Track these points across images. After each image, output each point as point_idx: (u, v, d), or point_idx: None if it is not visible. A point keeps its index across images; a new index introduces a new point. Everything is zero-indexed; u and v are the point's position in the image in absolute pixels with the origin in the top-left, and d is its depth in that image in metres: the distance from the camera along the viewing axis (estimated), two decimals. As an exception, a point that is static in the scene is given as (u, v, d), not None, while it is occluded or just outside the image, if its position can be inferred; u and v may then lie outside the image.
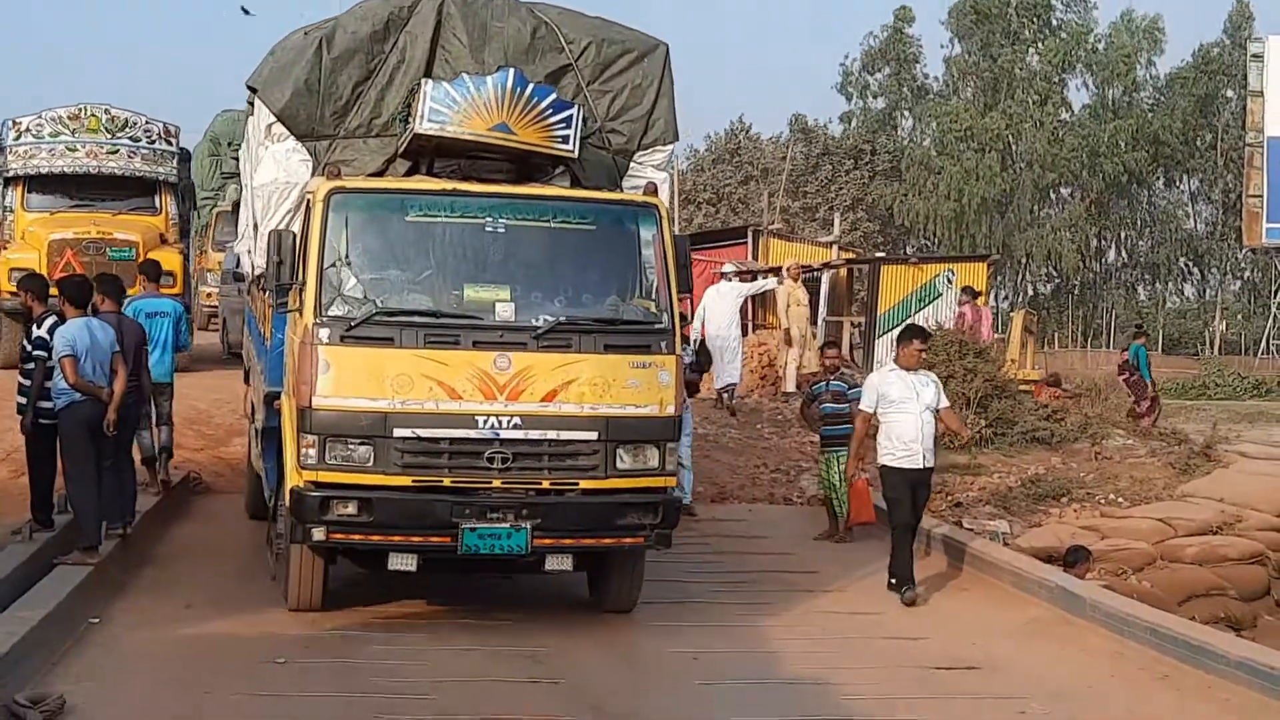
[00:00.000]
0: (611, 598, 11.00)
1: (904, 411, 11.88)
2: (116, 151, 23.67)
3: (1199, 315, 64.42)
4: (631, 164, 11.43)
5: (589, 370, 9.90)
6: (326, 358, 9.61)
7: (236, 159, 15.96)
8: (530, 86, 10.36)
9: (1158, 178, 67.57)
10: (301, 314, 9.87)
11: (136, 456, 14.19)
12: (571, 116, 10.44)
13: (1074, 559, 13.53)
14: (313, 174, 10.87)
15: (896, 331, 27.95)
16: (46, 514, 12.57)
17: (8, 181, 23.97)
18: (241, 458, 16.86)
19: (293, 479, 9.92)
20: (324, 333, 9.64)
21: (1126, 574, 13.90)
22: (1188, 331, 61.30)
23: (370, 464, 9.66)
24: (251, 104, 11.85)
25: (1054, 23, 66.53)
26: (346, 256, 9.96)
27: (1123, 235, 69.26)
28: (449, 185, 10.32)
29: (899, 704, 9.37)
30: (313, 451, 9.66)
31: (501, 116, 10.20)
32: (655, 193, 10.81)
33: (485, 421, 9.68)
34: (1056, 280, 67.26)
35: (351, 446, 9.67)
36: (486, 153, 10.59)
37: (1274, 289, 53.22)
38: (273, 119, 11.04)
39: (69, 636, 10.22)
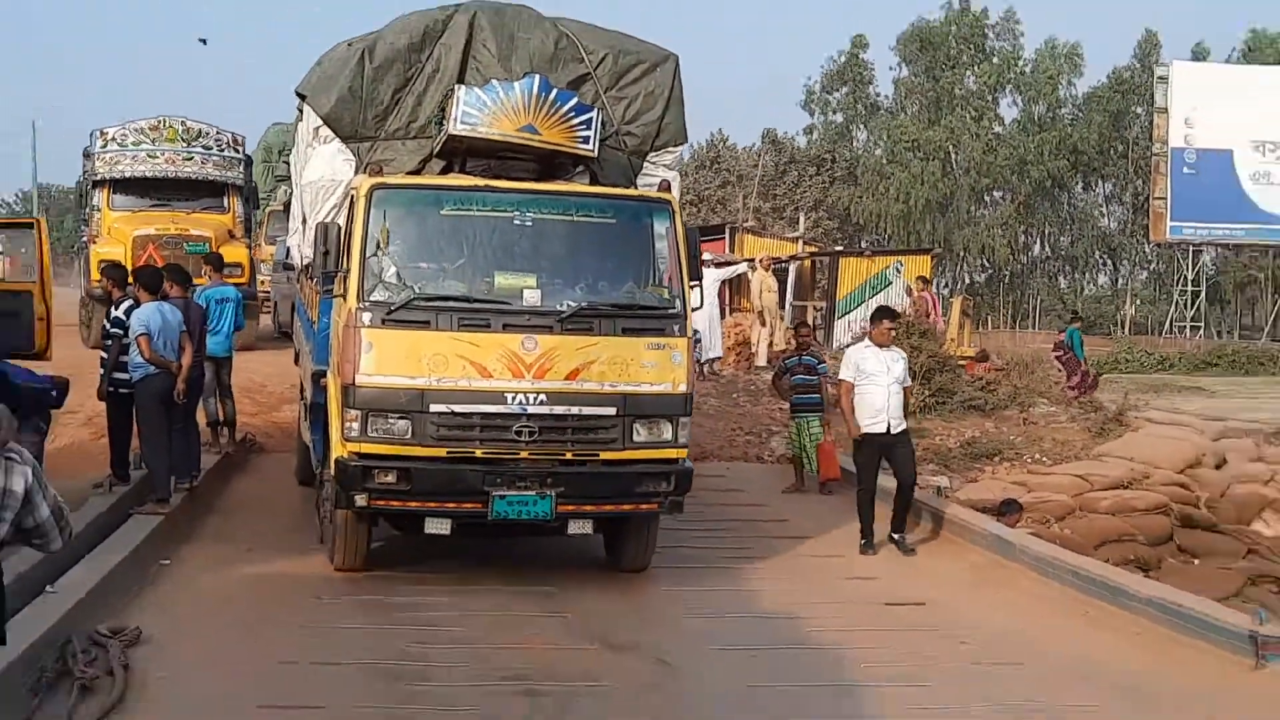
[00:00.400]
0: (628, 558, 10.65)
1: (875, 383, 11.68)
2: (191, 158, 23.80)
3: (1112, 300, 64.36)
4: (645, 164, 11.07)
5: (608, 351, 9.56)
6: (368, 339, 9.30)
7: (287, 164, 15.93)
8: (554, 91, 10.08)
9: (1077, 182, 67.54)
10: (346, 299, 9.53)
11: (201, 420, 14.27)
12: (591, 119, 10.18)
13: (1006, 510, 13.56)
14: (355, 173, 10.56)
15: (853, 313, 28.43)
16: (124, 470, 12.65)
17: (95, 184, 23.89)
18: (290, 421, 16.83)
19: (337, 450, 9.60)
20: (366, 316, 9.32)
21: (1050, 523, 13.92)
22: (1102, 315, 61.11)
23: (408, 436, 9.34)
24: (300, 110, 11.56)
25: (987, 49, 66.41)
26: (387, 247, 9.63)
27: (1046, 232, 69.26)
28: (480, 182, 9.97)
29: (856, 635, 9.36)
30: (355, 425, 9.35)
31: (528, 119, 9.93)
32: (668, 190, 10.52)
33: (514, 398, 9.34)
34: (989, 271, 67.25)
35: (391, 420, 9.34)
36: (514, 153, 10.26)
37: (1176, 278, 53.17)
38: (319, 122, 10.74)
39: (143, 577, 10.24)
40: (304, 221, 11.59)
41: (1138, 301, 60.07)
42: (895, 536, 12.02)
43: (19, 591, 8.61)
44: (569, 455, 9.58)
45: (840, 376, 12.24)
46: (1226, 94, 46.01)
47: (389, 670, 8.12)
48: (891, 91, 68.22)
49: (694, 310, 10.14)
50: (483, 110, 9.91)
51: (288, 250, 15.44)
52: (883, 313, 12.59)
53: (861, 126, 69.76)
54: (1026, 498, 14.25)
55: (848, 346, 12.66)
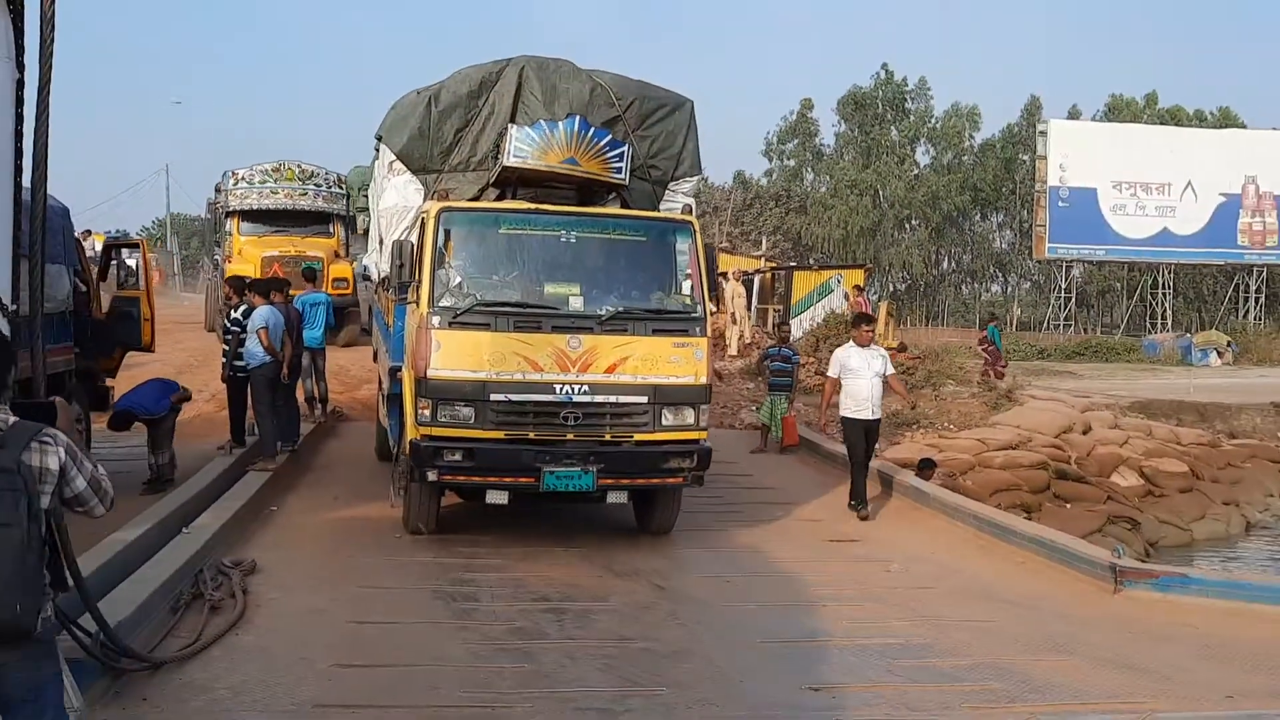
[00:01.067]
0: (655, 524, 10.10)
1: (859, 377, 11.19)
2: (305, 193, 23.74)
3: (1003, 304, 64.25)
4: (666, 191, 10.62)
5: (641, 349, 9.08)
6: (438, 339, 8.81)
7: (365, 197, 15.29)
8: (592, 130, 9.72)
9: (976, 213, 67.41)
10: (418, 305, 9.06)
11: (300, 397, 14.38)
12: (624, 153, 9.82)
13: (923, 467, 13.55)
14: (424, 200, 10.15)
15: (805, 314, 28.48)
16: (241, 437, 12.73)
17: (228, 214, 23.76)
18: (368, 398, 16.84)
19: (411, 433, 9.11)
20: (436, 319, 8.83)
21: (956, 476, 13.91)
22: (994, 316, 61.12)
23: (472, 421, 8.83)
24: (377, 150, 11.20)
25: (907, 109, 66.25)
26: (453, 261, 9.15)
27: (952, 251, 69.17)
28: (532, 206, 9.56)
29: (805, 565, 9.38)
30: (427, 412, 8.85)
31: (570, 152, 9.60)
32: (690, 213, 10.09)
33: (561, 388, 8.87)
34: (909, 281, 67.03)
35: (457, 408, 8.83)
36: (557, 182, 9.91)
37: (1052, 287, 53.20)
38: (393, 158, 10.36)
39: (257, 519, 10.27)
40: (380, 242, 11.20)
41: (1022, 305, 60.03)
42: (854, 505, 11.48)
43: (164, 532, 8.70)
44: (608, 436, 9.10)
45: (829, 373, 11.83)
46: (1092, 145, 46.13)
47: (446, 592, 8.14)
48: (833, 142, 68.05)
49: (713, 314, 9.88)
50: (532, 145, 9.59)
51: (365, 268, 15.20)
52: (862, 319, 12.25)
53: (810, 169, 69.43)
54: (938, 456, 14.22)
55: (837, 349, 12.00)
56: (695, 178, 10.89)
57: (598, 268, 9.59)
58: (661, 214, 10.13)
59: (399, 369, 9.85)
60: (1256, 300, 49.90)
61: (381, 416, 12.33)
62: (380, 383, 12.78)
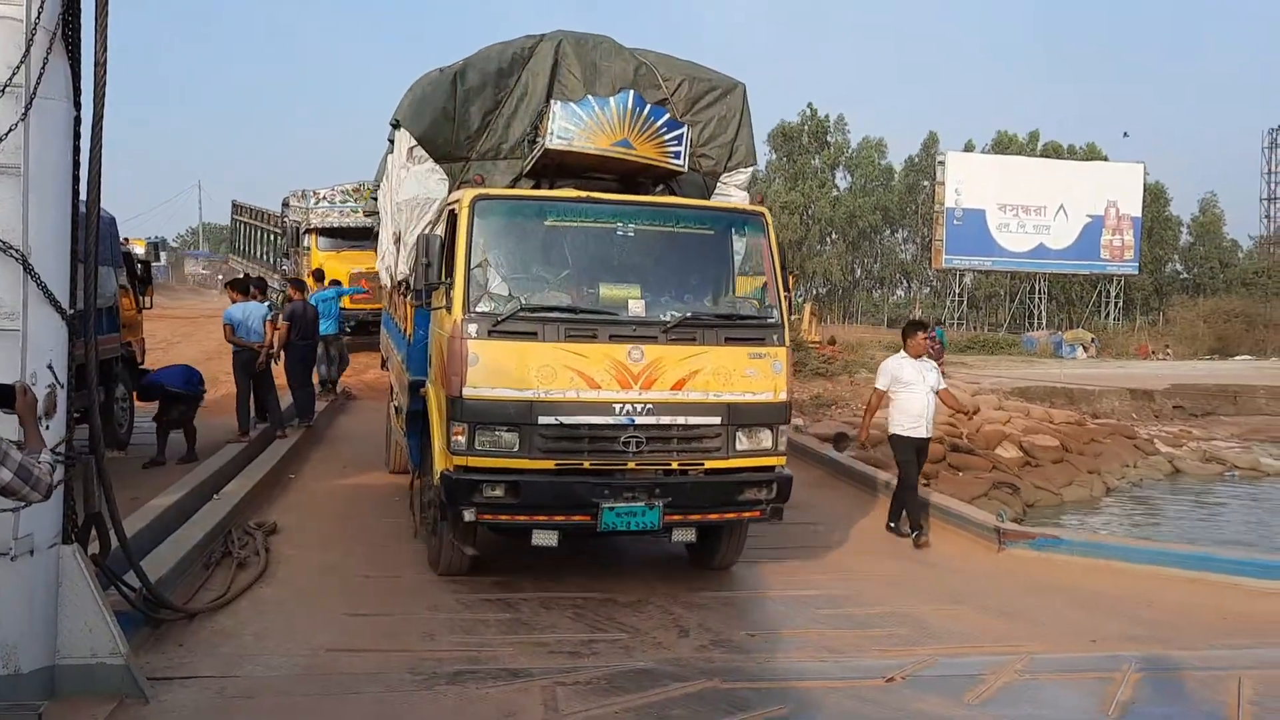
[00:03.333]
0: (718, 559, 7.67)
1: (913, 391, 9.00)
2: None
3: (906, 305, 64.77)
4: (718, 184, 8.17)
5: (712, 361, 6.78)
6: (475, 351, 6.45)
7: (375, 199, 12.24)
8: (648, 107, 7.29)
9: (885, 230, 67.96)
10: (450, 311, 6.65)
11: (315, 380, 14.23)
12: (682, 135, 7.35)
13: (839, 440, 13.61)
14: (447, 192, 7.59)
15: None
16: (252, 419, 12.03)
17: (306, 231, 22.55)
18: (375, 381, 16.71)
19: (441, 463, 6.73)
20: (473, 327, 6.47)
21: (868, 449, 13.99)
22: (900, 315, 61.40)
23: (516, 449, 6.49)
24: (391, 139, 8.48)
25: (828, 141, 66.57)
26: (491, 258, 6.79)
27: (865, 261, 69.67)
28: (583, 194, 7.02)
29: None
30: (462, 438, 6.45)
31: (623, 133, 7.14)
32: (762, 202, 7.73)
33: (621, 408, 6.57)
34: (830, 286, 67.40)
35: (499, 433, 6.48)
36: (599, 172, 7.40)
37: (948, 292, 53.81)
38: (414, 143, 7.63)
39: (278, 486, 10.13)
40: (398, 240, 8.55)
41: (923, 305, 60.53)
42: (893, 525, 9.29)
43: (197, 501, 8.50)
44: (675, 465, 6.75)
45: (877, 385, 9.33)
46: (983, 173, 46.71)
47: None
48: (765, 169, 68.37)
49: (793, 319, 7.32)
50: (579, 125, 7.10)
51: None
52: (916, 326, 9.50)
53: (747, 191, 69.86)
54: (853, 432, 14.32)
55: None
56: (750, 169, 8.33)
57: (659, 266, 7.29)
58: (731, 204, 7.84)
59: (421, 384, 7.57)
60: (1116, 304, 50.80)
61: (396, 430, 9.90)
62: (392, 393, 10.52)
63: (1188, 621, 6.78)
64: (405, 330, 8.36)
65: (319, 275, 17.40)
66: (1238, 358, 39.19)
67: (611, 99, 7.21)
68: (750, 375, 6.87)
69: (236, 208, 34.90)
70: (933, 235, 48.23)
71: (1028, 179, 46.58)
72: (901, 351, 9.19)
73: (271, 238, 28.75)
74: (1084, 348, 40.34)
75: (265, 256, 29.82)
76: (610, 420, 6.57)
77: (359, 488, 10.32)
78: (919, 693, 5.27)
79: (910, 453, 9.05)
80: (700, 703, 5.04)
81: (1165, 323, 49.17)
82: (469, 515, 6.50)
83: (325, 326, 14.78)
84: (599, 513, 6.51)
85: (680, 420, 6.71)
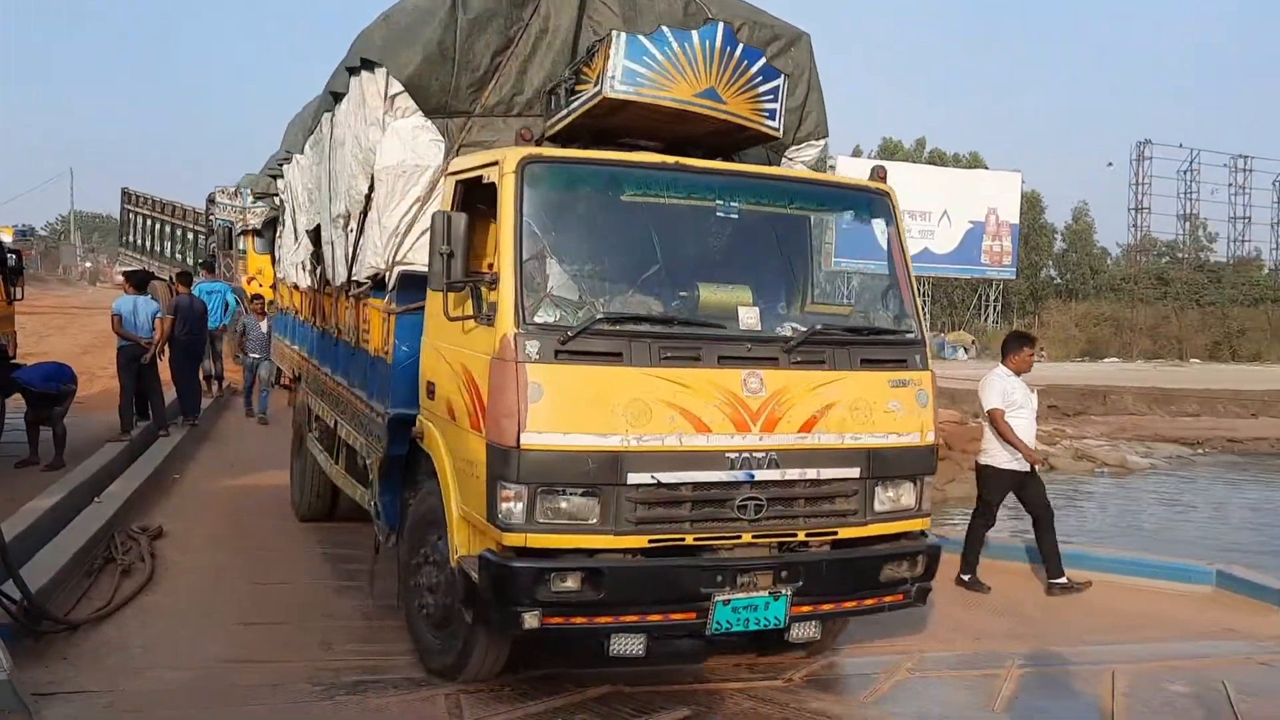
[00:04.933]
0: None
1: (1022, 416, 7.50)
2: None
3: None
4: (783, 160, 6.14)
5: (849, 391, 4.92)
6: (537, 379, 4.41)
7: (269, 188, 10.05)
8: (741, 47, 5.14)
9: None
10: (492, 322, 4.57)
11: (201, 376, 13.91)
12: (779, 88, 5.28)
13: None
14: (446, 157, 5.38)
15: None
16: (129, 419, 11.50)
17: (242, 232, 21.12)
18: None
19: (473, 541, 4.73)
20: (532, 346, 4.43)
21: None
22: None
23: (595, 522, 4.48)
24: (336, 93, 6.31)
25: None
26: (549, 246, 4.71)
27: (757, 259, 71.07)
28: (672, 160, 4.96)
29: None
30: (519, 506, 4.40)
31: (710, 81, 4.99)
32: (885, 179, 5.57)
33: (738, 459, 4.64)
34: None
35: (572, 498, 4.45)
36: (649, 137, 5.31)
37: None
38: (399, 88, 5.31)
39: (161, 488, 9.82)
40: (346, 222, 6.23)
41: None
42: (1062, 582, 7.67)
43: (76, 504, 8.17)
44: (801, 535, 4.87)
45: (990, 405, 7.53)
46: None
47: (334, 555, 7.86)
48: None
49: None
50: (651, 67, 4.90)
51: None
52: (1023, 340, 7.84)
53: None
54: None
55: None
56: (821, 142, 6.33)
57: (770, 260, 5.45)
58: (852, 180, 5.80)
59: (409, 420, 5.39)
60: (995, 307, 52.87)
61: (331, 473, 7.59)
62: (309, 418, 8.36)
63: (1064, 618, 7.14)
64: (371, 345, 6.06)
65: (210, 266, 16.95)
66: (1106, 360, 41.42)
67: (694, 33, 5.07)
68: (893, 410, 5.08)
69: (128, 196, 31.80)
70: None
71: (914, 185, 47.64)
72: (1002, 366, 7.69)
73: (179, 232, 27.30)
74: (965, 349, 42.00)
75: (165, 250, 28.00)
76: (723, 476, 4.66)
77: (247, 488, 10.09)
78: (817, 692, 5.44)
79: (1003, 492, 7.73)
80: (605, 707, 5.10)
81: (1040, 325, 51.42)
82: (532, 621, 4.46)
83: (213, 320, 14.52)
84: (711, 609, 4.66)
85: (811, 474, 4.84)
